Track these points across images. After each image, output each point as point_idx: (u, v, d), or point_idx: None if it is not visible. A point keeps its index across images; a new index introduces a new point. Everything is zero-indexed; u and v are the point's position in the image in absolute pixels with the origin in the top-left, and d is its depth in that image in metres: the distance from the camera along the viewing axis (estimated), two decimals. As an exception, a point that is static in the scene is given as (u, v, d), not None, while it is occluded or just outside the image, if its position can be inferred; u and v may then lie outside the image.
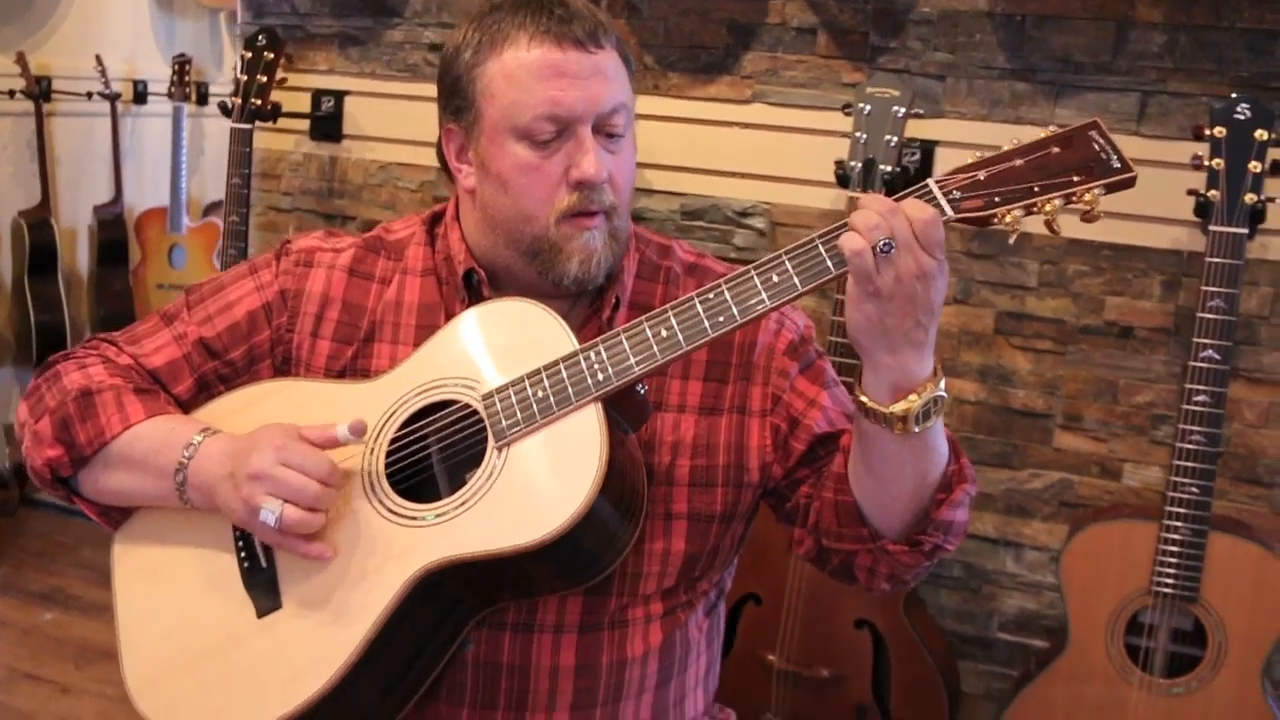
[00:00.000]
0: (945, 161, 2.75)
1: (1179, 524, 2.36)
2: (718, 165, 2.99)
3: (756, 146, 2.95)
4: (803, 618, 2.61)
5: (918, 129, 2.54)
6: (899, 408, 1.39)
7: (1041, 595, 2.82)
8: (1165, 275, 2.66)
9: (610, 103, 1.54)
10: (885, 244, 1.33)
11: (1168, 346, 2.67)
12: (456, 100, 1.60)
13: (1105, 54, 2.63)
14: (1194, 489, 2.35)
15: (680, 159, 3.01)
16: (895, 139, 2.50)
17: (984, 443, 2.83)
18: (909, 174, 2.55)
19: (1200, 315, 2.33)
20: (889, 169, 2.50)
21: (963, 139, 2.74)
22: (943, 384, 1.41)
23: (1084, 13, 2.63)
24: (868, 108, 2.52)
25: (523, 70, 1.52)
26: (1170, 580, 2.38)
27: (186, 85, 5.08)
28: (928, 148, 2.74)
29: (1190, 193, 2.34)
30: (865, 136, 2.51)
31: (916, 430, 1.41)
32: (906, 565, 1.54)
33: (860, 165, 2.50)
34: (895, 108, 2.50)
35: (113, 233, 5.37)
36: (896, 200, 1.38)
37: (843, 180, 2.53)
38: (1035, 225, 1.40)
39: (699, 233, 3.03)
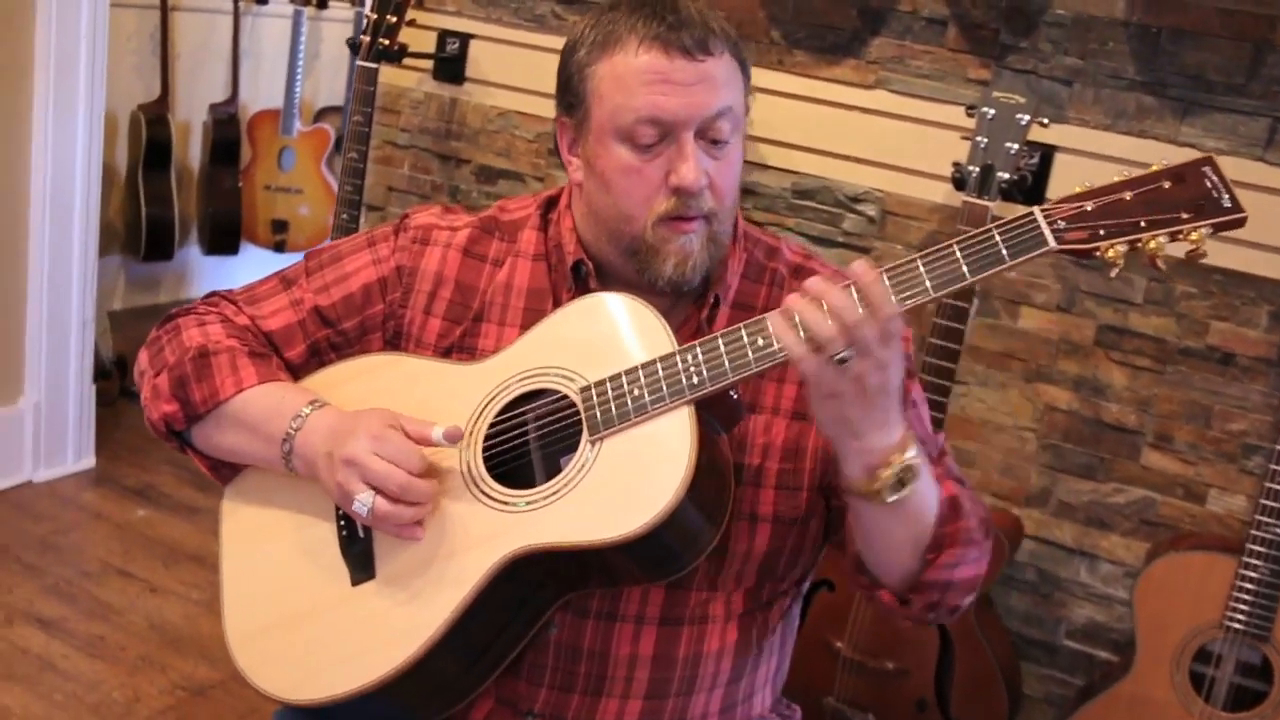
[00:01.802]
0: (1063, 168, 2.72)
1: (1259, 562, 2.36)
2: (834, 147, 2.98)
3: (875, 133, 2.94)
4: (873, 609, 2.65)
5: (1038, 132, 2.51)
6: (873, 485, 1.42)
7: (1112, 608, 2.83)
8: (1275, 306, 2.62)
9: (715, 108, 1.55)
10: (841, 356, 1.34)
11: (1268, 377, 2.64)
12: (569, 96, 1.64)
13: (1239, 75, 2.58)
14: (1279, 529, 2.34)
15: (797, 137, 3.00)
16: (1016, 147, 2.48)
17: (1071, 452, 2.83)
18: (1026, 182, 2.53)
19: (1307, 357, 2.31)
20: (1006, 176, 2.48)
21: (1084, 147, 2.71)
22: (910, 452, 1.41)
23: (1222, 31, 2.58)
24: (991, 112, 2.50)
25: (629, 74, 1.55)
26: (1244, 617, 2.39)
27: (307, -13, 5.12)
28: (1047, 153, 2.72)
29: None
30: (986, 141, 2.49)
31: (890, 501, 1.43)
32: (902, 617, 1.59)
33: (978, 170, 2.49)
34: (1019, 115, 2.47)
35: (226, 132, 5.47)
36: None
37: (958, 183, 2.52)
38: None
39: (808, 213, 3.03)
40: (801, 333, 1.37)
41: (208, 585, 3.45)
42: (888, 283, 1.39)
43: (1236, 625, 2.39)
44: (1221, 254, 2.48)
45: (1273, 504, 2.34)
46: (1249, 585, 2.37)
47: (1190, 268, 2.65)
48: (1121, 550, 2.81)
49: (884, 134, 2.93)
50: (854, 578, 1.62)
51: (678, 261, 1.59)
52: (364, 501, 1.50)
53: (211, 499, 3.90)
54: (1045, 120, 2.51)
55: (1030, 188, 2.57)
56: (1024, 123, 2.48)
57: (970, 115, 2.55)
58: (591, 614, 1.63)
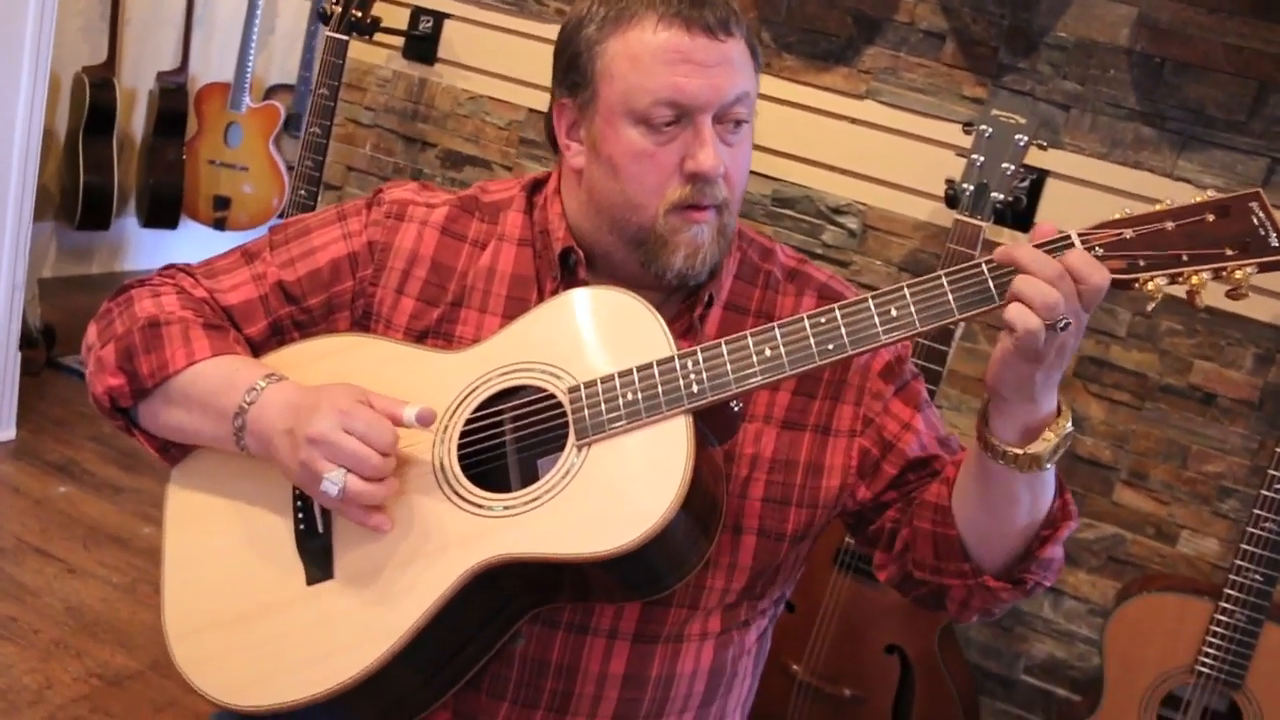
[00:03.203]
0: (1055, 194, 2.66)
1: (1235, 608, 2.31)
2: (818, 156, 2.90)
3: (862, 144, 2.86)
4: (834, 634, 2.57)
5: (1031, 156, 2.44)
6: (1034, 449, 1.35)
7: (1073, 645, 2.77)
8: (1260, 349, 2.58)
9: (734, 93, 1.47)
10: (1064, 323, 1.26)
11: (1249, 420, 2.60)
12: (574, 75, 1.54)
13: (1240, 113, 2.54)
14: (1258, 576, 2.30)
15: (781, 143, 2.92)
16: (1012, 168, 2.41)
17: (1042, 484, 2.77)
18: (1020, 204, 2.46)
19: (1298, 403, 2.26)
20: (1001, 197, 2.41)
21: (1076, 174, 2.66)
22: (1070, 420, 1.36)
23: (1227, 66, 2.53)
24: (989, 130, 2.43)
25: (647, 53, 1.46)
26: (1217, 663, 2.33)
27: (267, -41, 5.00)
28: (1038, 177, 2.65)
29: (1310, 275, 2.26)
30: (982, 160, 2.42)
31: (1048, 468, 1.37)
32: (1003, 600, 1.51)
33: (973, 188, 2.42)
34: (1018, 135, 2.41)
35: (173, 102, 5.32)
36: (1047, 249, 1.31)
37: (951, 201, 2.45)
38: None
39: (787, 221, 2.95)
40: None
41: (129, 569, 3.31)
42: (920, 297, 1.34)
43: (1208, 670, 2.34)
44: (1210, 293, 2.41)
45: (1253, 549, 2.29)
46: (1224, 630, 2.32)
47: (1175, 304, 2.60)
48: (1087, 587, 2.75)
49: (871, 146, 2.86)
50: (947, 568, 1.51)
51: (688, 253, 1.50)
52: (334, 480, 1.38)
53: (137, 479, 3.83)
54: (1044, 143, 2.44)
55: (1023, 211, 2.50)
56: (1022, 144, 2.41)
57: (967, 132, 2.48)
58: (562, 626, 1.53)
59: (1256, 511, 2.30)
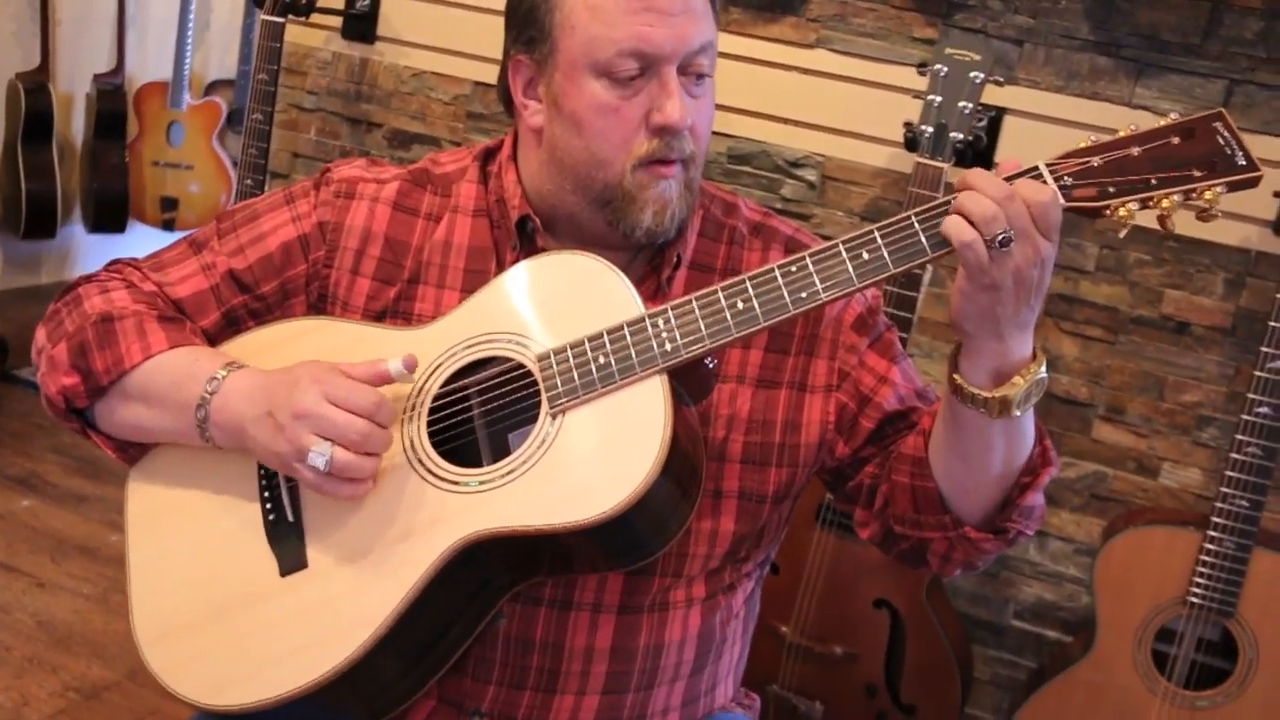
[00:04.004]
0: (1014, 130, 2.63)
1: (1224, 536, 2.29)
2: (772, 110, 2.85)
3: (815, 95, 2.81)
4: (821, 592, 2.54)
5: (986, 93, 2.40)
6: (1002, 392, 1.32)
7: (1061, 586, 2.75)
8: (1230, 274, 2.55)
9: (699, 41, 1.43)
10: (1004, 236, 1.25)
11: (1223, 347, 2.57)
12: (530, 30, 1.48)
13: (1195, 36, 2.50)
14: (1244, 502, 2.28)
15: (732, 99, 2.86)
16: (970, 106, 2.37)
17: (1020, 426, 2.74)
18: (981, 143, 2.42)
19: (1273, 324, 2.23)
20: (961, 137, 2.37)
21: (1034, 109, 2.62)
22: (1044, 366, 1.34)
23: (1178, -11, 2.50)
24: (945, 69, 2.38)
25: (608, 3, 1.41)
26: (1208, 593, 2.31)
27: (198, -46, 4.92)
28: (995, 115, 2.61)
29: (1276, 194, 2.24)
30: (939, 100, 2.38)
31: (1018, 414, 1.33)
32: (986, 552, 1.48)
33: (932, 130, 2.37)
34: (974, 73, 2.36)
35: (112, 104, 5.24)
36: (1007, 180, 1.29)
37: (911, 144, 2.41)
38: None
39: (745, 179, 2.90)
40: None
41: (99, 579, 3.25)
42: (891, 239, 1.32)
43: (1200, 601, 2.32)
44: (1177, 219, 2.39)
45: (1237, 475, 2.28)
46: (1214, 559, 2.30)
47: (1142, 234, 2.58)
48: (1072, 527, 2.72)
49: (825, 96, 2.81)
50: (927, 521, 1.48)
51: (656, 210, 1.45)
52: (322, 452, 1.34)
53: (101, 487, 3.76)
54: (1000, 79, 2.41)
55: (984, 149, 2.46)
56: (978, 81, 2.37)
57: (922, 74, 2.43)
58: (544, 602, 1.50)
59: (1238, 437, 2.27)
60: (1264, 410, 2.25)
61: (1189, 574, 2.33)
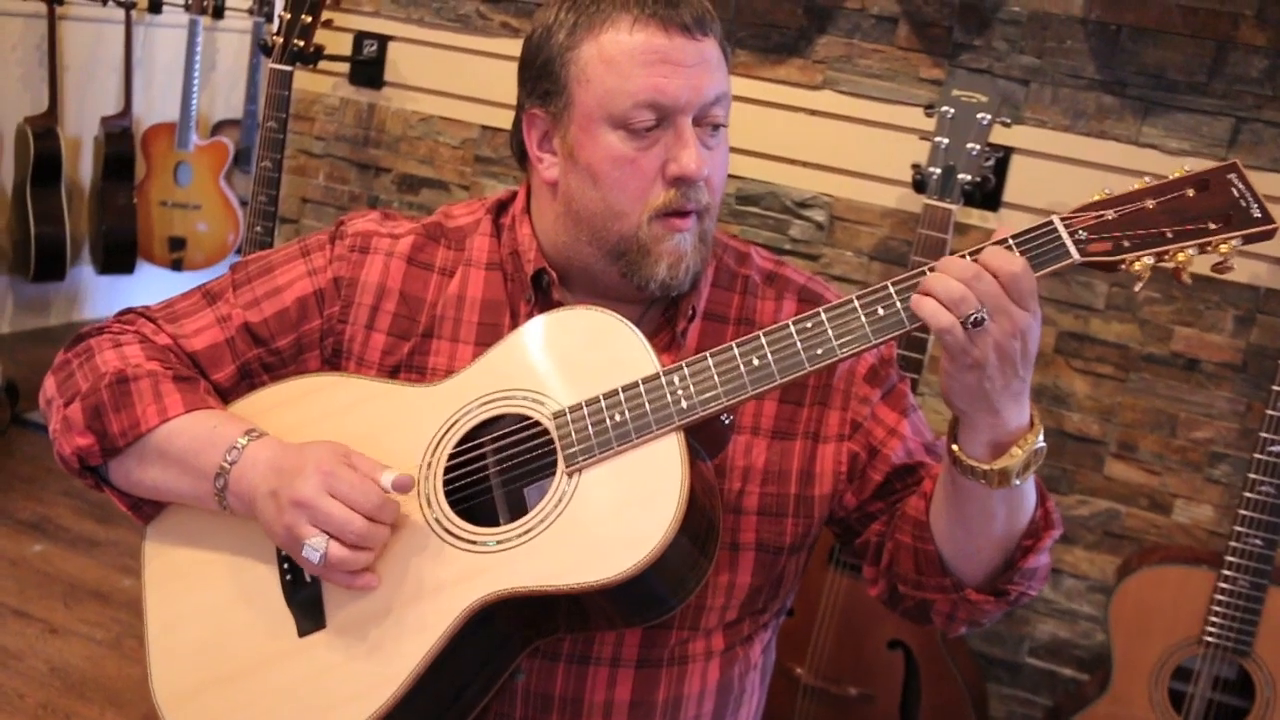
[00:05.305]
0: (1021, 170, 2.63)
1: (1238, 575, 2.29)
2: (779, 151, 2.86)
3: (822, 136, 2.83)
4: (835, 634, 2.53)
5: (994, 133, 2.41)
6: (1000, 464, 1.32)
7: (1076, 624, 2.74)
8: (1240, 311, 2.56)
9: (714, 92, 1.44)
10: (976, 316, 1.25)
11: (1234, 384, 2.57)
12: (545, 84, 1.48)
13: (1201, 74, 2.51)
14: (1258, 541, 2.27)
15: (740, 141, 2.85)
16: (978, 147, 2.37)
17: (1032, 464, 2.74)
18: (988, 184, 2.43)
19: (1285, 363, 2.23)
20: (969, 178, 2.38)
21: (1041, 149, 2.63)
22: (1041, 435, 1.33)
23: (1183, 29, 2.51)
24: (952, 111, 2.39)
25: (624, 55, 1.41)
26: (1224, 632, 2.31)
27: (204, -3, 4.95)
28: (1003, 155, 2.62)
29: (1285, 233, 2.23)
30: (947, 142, 2.39)
31: (1017, 484, 1.33)
32: (988, 613, 1.48)
33: (940, 172, 2.38)
34: (980, 114, 2.37)
35: (119, 146, 5.27)
36: (974, 254, 1.29)
37: (919, 186, 2.41)
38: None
39: (753, 219, 2.90)
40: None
41: (112, 624, 3.25)
42: (906, 295, 1.31)
43: (1216, 640, 2.31)
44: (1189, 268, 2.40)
45: (1251, 514, 2.27)
46: (1229, 599, 2.29)
47: (1155, 271, 2.57)
48: (1085, 564, 2.72)
49: (832, 136, 2.82)
50: (928, 583, 1.48)
51: (671, 263, 1.45)
52: (316, 547, 1.34)
53: (113, 530, 3.76)
54: (1007, 120, 2.41)
55: (992, 191, 2.47)
56: (985, 122, 2.38)
57: (929, 115, 2.44)
58: (563, 658, 1.49)
59: (1251, 476, 2.27)
60: (1277, 449, 2.24)
61: (1204, 613, 2.32)
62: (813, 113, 2.83)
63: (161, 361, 1.54)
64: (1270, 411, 2.25)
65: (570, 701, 1.49)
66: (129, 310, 1.64)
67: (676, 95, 1.41)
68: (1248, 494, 2.27)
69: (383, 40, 3.27)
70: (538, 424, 1.40)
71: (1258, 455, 2.26)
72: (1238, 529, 2.28)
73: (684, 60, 1.41)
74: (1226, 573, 2.29)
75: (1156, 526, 2.66)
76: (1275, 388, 2.24)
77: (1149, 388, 2.64)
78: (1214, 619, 2.31)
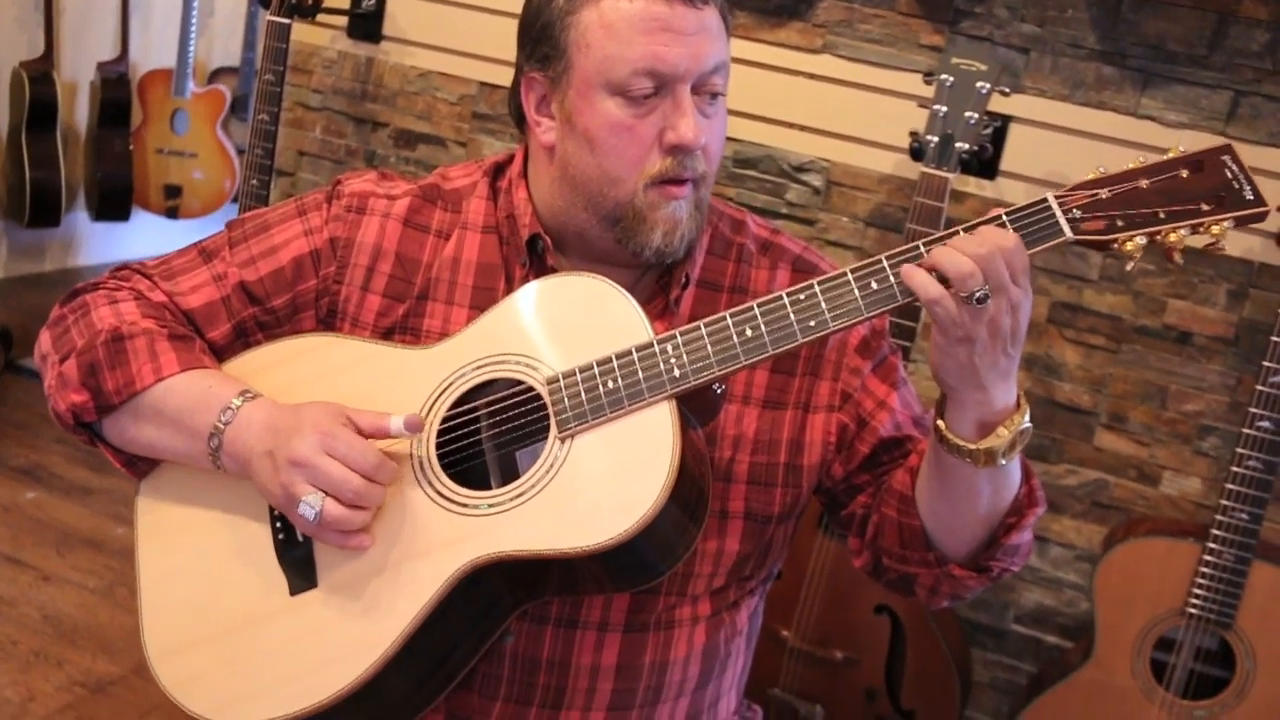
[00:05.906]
0: (1019, 140, 2.63)
1: (1223, 548, 2.31)
2: (777, 114, 2.85)
3: (821, 100, 2.81)
4: (822, 598, 2.55)
5: (992, 102, 2.40)
6: (986, 444, 1.33)
7: (1061, 592, 2.77)
8: (1233, 284, 2.56)
9: (713, 61, 1.44)
10: (981, 294, 1.25)
11: (1225, 357, 2.58)
12: (544, 47, 1.48)
13: (1201, 46, 2.51)
14: (1243, 515, 2.29)
15: (739, 103, 2.86)
16: (976, 116, 2.37)
17: (1022, 433, 2.75)
18: (986, 153, 2.42)
19: (1275, 339, 2.24)
20: (967, 147, 2.37)
21: (1040, 118, 2.62)
22: (1027, 415, 1.34)
23: (1185, 0, 2.50)
24: (950, 79, 2.38)
25: (623, 21, 1.41)
26: (1207, 604, 2.33)
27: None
28: (1001, 124, 2.61)
29: (1280, 209, 2.24)
30: (945, 110, 2.38)
31: (1002, 464, 1.34)
32: (970, 588, 1.50)
33: (937, 140, 2.38)
34: (980, 83, 2.36)
35: (116, 92, 5.24)
36: (969, 229, 1.30)
37: (916, 154, 2.41)
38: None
39: (750, 182, 2.90)
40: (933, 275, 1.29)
41: (105, 572, 3.26)
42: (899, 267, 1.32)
43: (1198, 611, 2.33)
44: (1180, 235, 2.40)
45: (1237, 489, 2.29)
46: (1214, 571, 2.31)
47: (1148, 244, 2.57)
48: (1072, 533, 2.74)
49: (831, 101, 2.81)
50: (912, 557, 1.50)
51: (666, 230, 1.46)
52: (311, 504, 1.35)
53: (106, 479, 3.76)
54: (1006, 89, 2.41)
55: (990, 159, 2.47)
56: (984, 91, 2.37)
57: (928, 82, 2.44)
58: (551, 621, 1.51)
59: (1240, 450, 2.28)
60: (1265, 425, 2.26)
61: (1188, 585, 2.34)
62: (812, 77, 2.82)
63: (157, 319, 1.54)
64: (1260, 386, 2.26)
65: (557, 664, 1.51)
66: (125, 266, 1.64)
67: (676, 63, 1.41)
68: (1235, 468, 2.28)
69: (382, -8, 3.25)
70: (531, 389, 1.41)
71: (1246, 430, 2.27)
72: (1224, 502, 2.30)
73: (684, 28, 1.41)
74: (1212, 545, 2.31)
75: (1144, 498, 2.68)
76: (1266, 363, 2.25)
77: (1140, 359, 2.65)
78: (1198, 591, 2.33)
